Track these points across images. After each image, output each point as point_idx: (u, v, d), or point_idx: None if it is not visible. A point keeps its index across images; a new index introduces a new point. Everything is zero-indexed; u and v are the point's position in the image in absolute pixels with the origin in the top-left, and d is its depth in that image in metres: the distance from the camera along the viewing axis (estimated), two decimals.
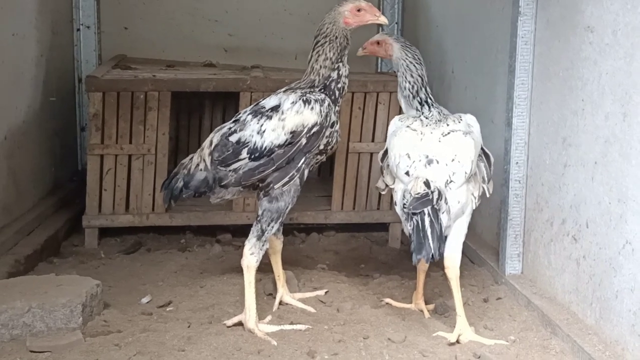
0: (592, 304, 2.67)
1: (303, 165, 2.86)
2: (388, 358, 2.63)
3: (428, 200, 2.60)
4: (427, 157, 2.74)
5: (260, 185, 2.89)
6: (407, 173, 2.75)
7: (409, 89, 3.03)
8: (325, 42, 2.88)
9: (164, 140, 4.13)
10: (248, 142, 2.86)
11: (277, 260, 3.20)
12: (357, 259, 3.95)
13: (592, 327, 2.67)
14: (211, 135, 3.03)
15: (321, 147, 2.91)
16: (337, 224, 4.48)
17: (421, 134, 2.85)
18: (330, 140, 2.94)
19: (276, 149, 2.83)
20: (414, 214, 2.58)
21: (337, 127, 2.97)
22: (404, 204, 2.68)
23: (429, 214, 2.57)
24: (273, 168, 2.84)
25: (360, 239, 4.37)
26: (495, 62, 3.61)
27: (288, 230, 4.38)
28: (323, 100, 2.85)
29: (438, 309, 3.10)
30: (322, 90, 2.92)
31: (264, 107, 2.92)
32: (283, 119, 2.84)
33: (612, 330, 2.53)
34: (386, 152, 2.99)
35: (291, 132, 2.82)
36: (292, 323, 2.94)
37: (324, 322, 2.96)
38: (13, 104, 3.96)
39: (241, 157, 2.87)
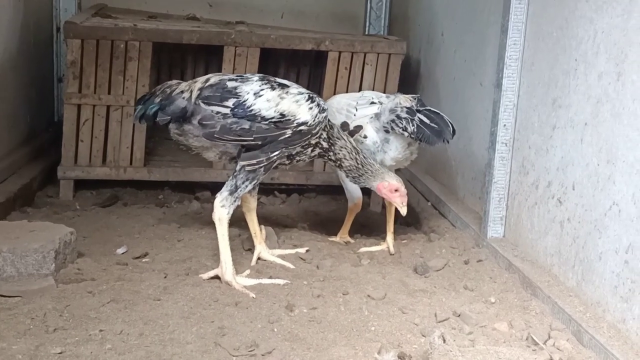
0: (574, 266, 2.65)
1: (275, 158, 2.84)
2: (367, 313, 2.60)
3: (424, 103, 3.22)
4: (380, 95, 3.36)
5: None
6: (372, 102, 3.26)
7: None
8: (345, 156, 3.02)
9: (144, 92, 4.02)
10: (240, 96, 2.82)
11: (253, 217, 3.14)
12: (338, 220, 3.90)
13: (573, 289, 2.65)
14: (210, 75, 2.99)
15: (294, 152, 2.91)
16: (318, 186, 4.43)
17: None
18: (302, 152, 2.95)
19: (259, 119, 2.79)
20: (418, 111, 3.11)
21: (311, 154, 2.99)
22: (398, 115, 3.11)
23: (433, 109, 3.16)
24: (250, 139, 2.79)
25: (341, 202, 4.31)
26: (487, 23, 3.54)
27: (269, 190, 4.32)
28: (323, 110, 2.87)
29: (418, 269, 3.07)
30: (327, 138, 2.98)
31: (275, 80, 2.93)
32: (282, 98, 2.83)
33: (593, 291, 2.52)
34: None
35: (281, 114, 2.80)
36: (271, 277, 2.89)
37: (303, 277, 2.91)
38: None
39: (226, 104, 2.81)
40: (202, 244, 3.26)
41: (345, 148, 3.02)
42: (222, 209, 2.84)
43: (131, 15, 4.61)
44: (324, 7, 5.47)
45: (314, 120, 2.83)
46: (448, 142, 3.12)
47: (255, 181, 2.90)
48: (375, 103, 3.23)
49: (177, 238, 3.34)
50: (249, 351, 2.28)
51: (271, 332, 2.41)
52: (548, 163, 2.88)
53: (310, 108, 2.83)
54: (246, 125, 2.79)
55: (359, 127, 3.21)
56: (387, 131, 3.17)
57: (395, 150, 3.22)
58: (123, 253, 3.11)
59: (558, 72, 2.82)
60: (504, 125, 3.17)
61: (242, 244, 3.29)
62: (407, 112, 3.11)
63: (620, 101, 2.41)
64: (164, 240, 3.32)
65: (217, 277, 2.84)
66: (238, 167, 2.87)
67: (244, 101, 2.81)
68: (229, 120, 2.79)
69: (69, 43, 3.91)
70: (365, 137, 3.21)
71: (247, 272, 2.95)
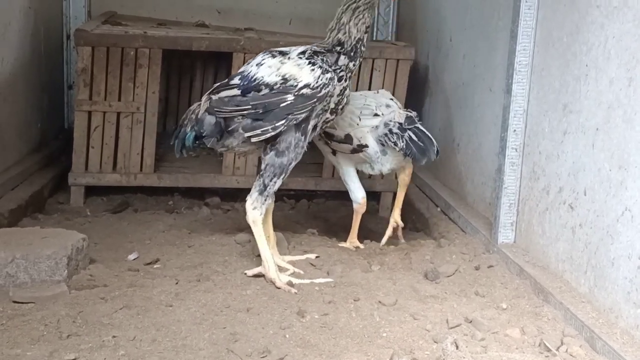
0: (587, 272, 2.65)
1: (282, 128, 2.82)
2: (379, 320, 2.59)
3: (414, 120, 3.33)
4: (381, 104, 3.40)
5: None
6: (375, 114, 3.34)
7: None
8: (366, 8, 2.94)
9: (154, 99, 4.04)
10: (244, 71, 2.93)
11: (268, 220, 3.15)
12: (347, 226, 3.90)
13: (585, 295, 2.64)
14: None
15: (332, 105, 2.94)
16: (327, 191, 4.43)
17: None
18: (341, 99, 2.98)
19: (263, 87, 2.82)
20: (407, 128, 3.25)
21: (348, 90, 3.02)
22: (390, 129, 3.26)
23: (420, 127, 3.31)
24: (248, 107, 2.82)
25: (350, 207, 4.28)
26: (496, 28, 3.54)
27: (277, 196, 4.27)
28: (326, 71, 2.85)
29: (429, 275, 3.07)
30: (350, 51, 2.92)
31: (275, 50, 3.00)
32: (283, 63, 2.88)
33: (606, 298, 2.51)
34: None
35: (283, 78, 2.83)
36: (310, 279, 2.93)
37: (314, 284, 2.91)
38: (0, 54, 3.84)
39: (232, 83, 2.90)
40: (212, 250, 3.27)
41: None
42: (254, 211, 2.90)
43: (141, 22, 4.64)
44: (331, 13, 5.42)
45: (316, 82, 2.82)
46: (431, 160, 3.31)
47: (283, 174, 2.91)
48: (378, 115, 3.32)
49: (188, 244, 3.35)
50: (262, 357, 2.29)
51: (283, 338, 2.41)
52: (559, 168, 2.88)
53: (312, 70, 2.84)
54: (249, 97, 2.83)
55: (362, 146, 3.31)
56: (382, 144, 3.31)
57: (393, 162, 3.39)
58: (134, 259, 3.13)
59: (569, 77, 2.82)
60: (514, 130, 3.17)
61: (252, 249, 3.29)
62: (399, 128, 3.26)
63: (632, 107, 2.41)
64: (174, 246, 3.33)
65: (260, 274, 2.91)
66: (263, 165, 2.91)
67: (248, 73, 2.90)
68: (237, 99, 2.86)
69: (79, 50, 3.94)
70: (366, 146, 3.30)
71: (290, 271, 2.99)
